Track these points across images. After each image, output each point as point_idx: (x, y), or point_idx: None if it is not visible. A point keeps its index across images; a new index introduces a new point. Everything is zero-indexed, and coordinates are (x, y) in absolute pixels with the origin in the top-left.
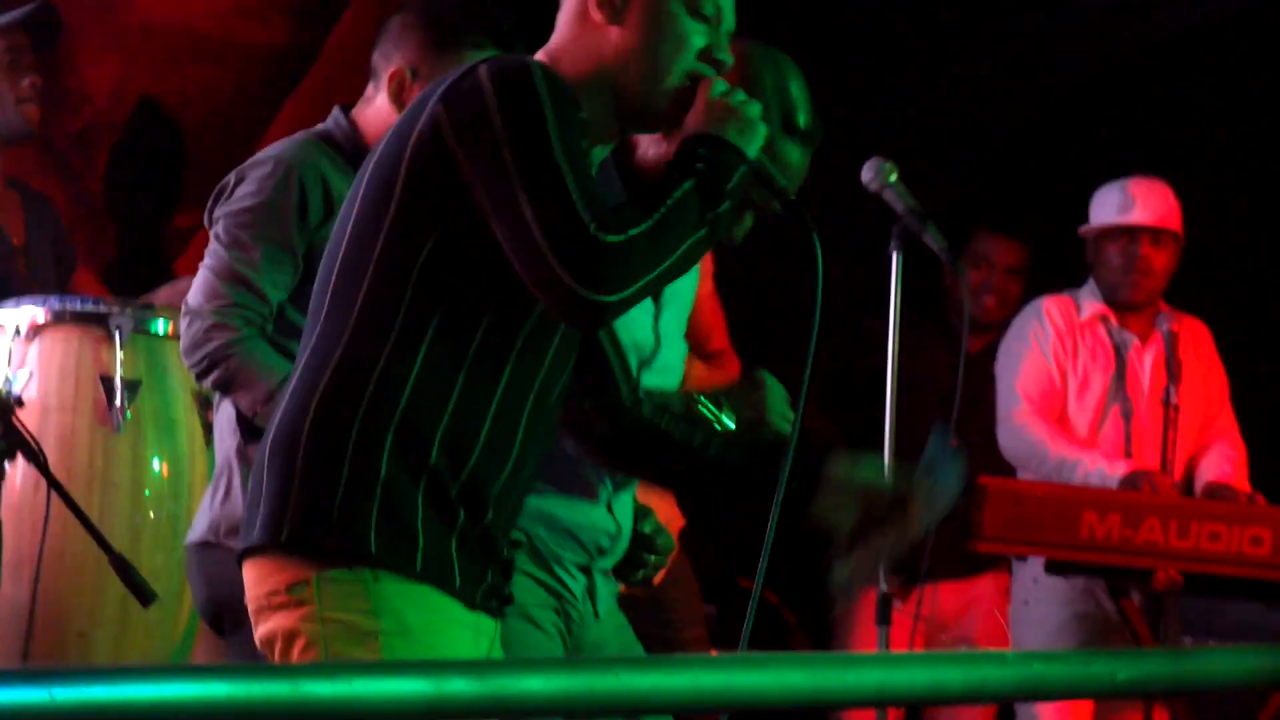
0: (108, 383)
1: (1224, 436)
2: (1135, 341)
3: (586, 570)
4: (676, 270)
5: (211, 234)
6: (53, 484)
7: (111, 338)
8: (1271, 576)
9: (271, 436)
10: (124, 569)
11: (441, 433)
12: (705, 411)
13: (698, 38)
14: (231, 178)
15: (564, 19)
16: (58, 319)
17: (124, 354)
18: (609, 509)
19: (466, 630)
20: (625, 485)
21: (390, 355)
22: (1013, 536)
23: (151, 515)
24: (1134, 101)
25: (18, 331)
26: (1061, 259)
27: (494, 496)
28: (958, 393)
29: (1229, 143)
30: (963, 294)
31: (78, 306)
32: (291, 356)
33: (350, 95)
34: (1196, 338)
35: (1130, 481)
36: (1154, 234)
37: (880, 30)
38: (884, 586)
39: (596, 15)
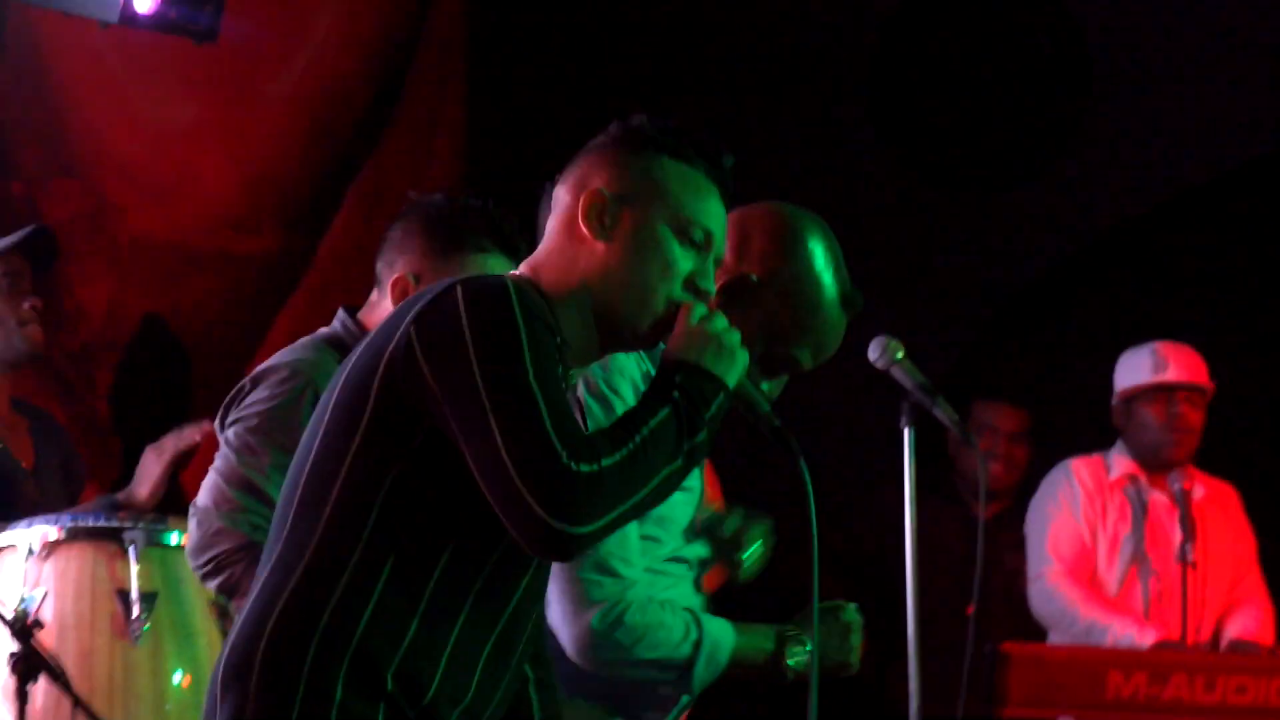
0: (124, 596)
1: (1251, 597)
2: (1164, 500)
3: None
4: (651, 501)
5: (222, 438)
6: (77, 702)
7: (125, 552)
8: None
9: (226, 656)
10: None
11: (396, 664)
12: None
13: (684, 263)
14: (246, 383)
15: (552, 230)
16: (71, 536)
17: (139, 567)
18: None
19: None
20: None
21: (349, 582)
22: (1040, 700)
23: None
24: (1120, 266)
25: (31, 551)
26: (1063, 423)
27: None
28: (979, 561)
29: (1220, 305)
30: (977, 464)
31: (90, 523)
32: None
33: (344, 300)
34: (1224, 499)
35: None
36: (1189, 392)
37: (867, 204)
38: None
39: (584, 230)
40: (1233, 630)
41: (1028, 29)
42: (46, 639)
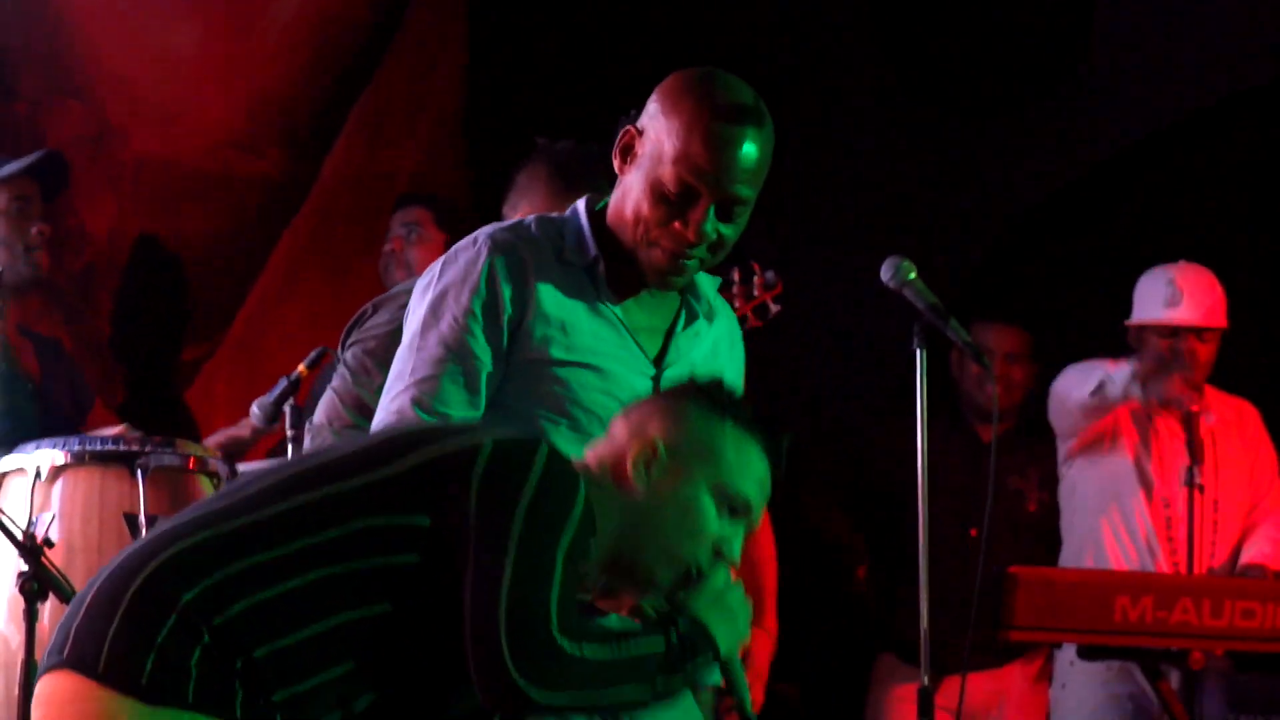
0: (131, 519)
1: (1269, 517)
2: (1171, 424)
3: None
4: (606, 703)
5: (340, 358)
6: None
7: (134, 475)
8: None
9: (102, 582)
10: None
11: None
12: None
13: (716, 529)
14: (369, 308)
15: (603, 449)
16: (79, 460)
17: (147, 492)
18: None
19: None
20: None
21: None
22: (1045, 624)
23: None
24: (1123, 190)
25: (39, 474)
26: (1065, 345)
27: None
28: (992, 477)
29: (1223, 229)
30: (979, 386)
31: (98, 447)
32: None
33: (346, 224)
34: (1240, 419)
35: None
36: (1200, 332)
37: (872, 128)
38: (925, 680)
39: (630, 475)
40: (1246, 554)
41: None
42: (55, 560)
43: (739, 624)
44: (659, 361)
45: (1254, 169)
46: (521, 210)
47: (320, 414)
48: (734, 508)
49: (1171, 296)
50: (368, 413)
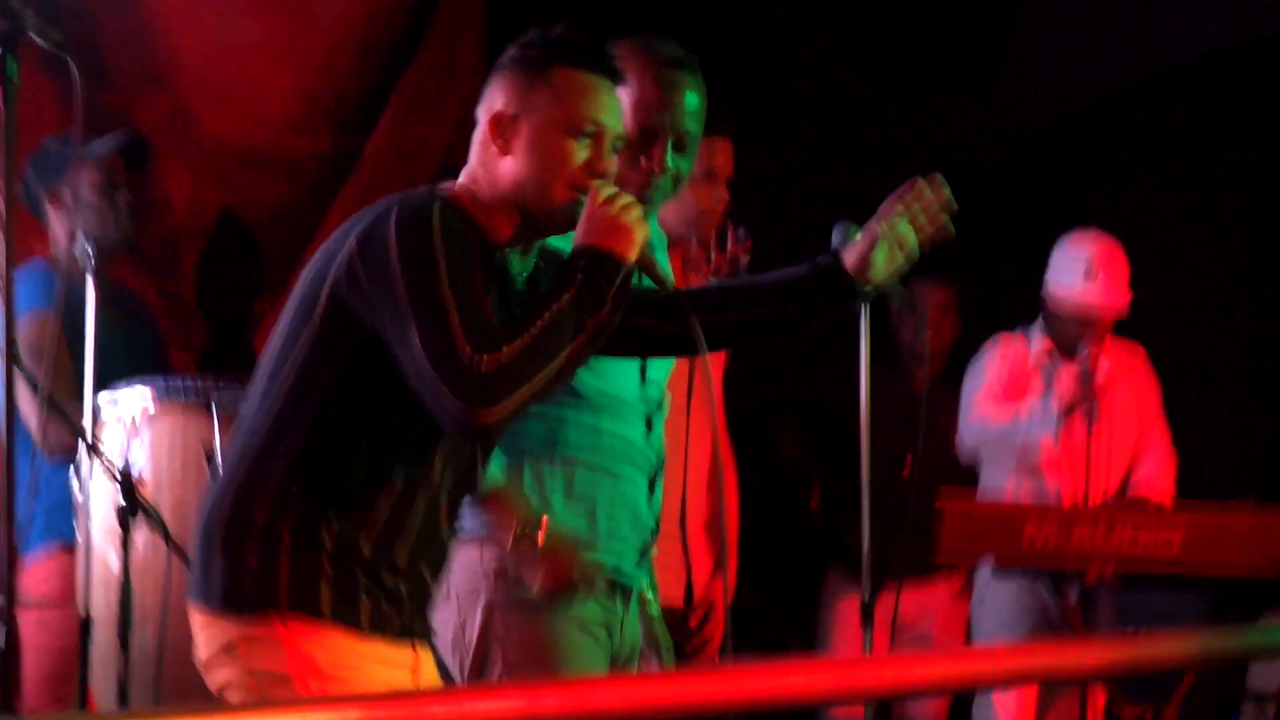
0: (210, 455)
1: (1154, 446)
2: (1073, 371)
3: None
4: (560, 376)
5: None
6: (172, 545)
7: (211, 416)
8: (1180, 572)
9: (203, 516)
10: None
11: (337, 526)
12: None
13: (579, 154)
14: None
15: (474, 146)
16: (163, 403)
17: (222, 429)
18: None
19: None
20: None
21: (300, 454)
22: (966, 550)
23: None
24: (1045, 162)
25: (131, 418)
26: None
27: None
28: (922, 414)
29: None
30: (915, 335)
31: (179, 389)
32: None
33: (387, 193)
34: (1130, 360)
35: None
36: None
37: (828, 87)
38: (867, 595)
39: (493, 147)
40: (1133, 485)
41: None
42: (145, 492)
43: (631, 229)
44: None
45: (1167, 144)
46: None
47: None
48: (585, 132)
49: (1088, 272)
50: None
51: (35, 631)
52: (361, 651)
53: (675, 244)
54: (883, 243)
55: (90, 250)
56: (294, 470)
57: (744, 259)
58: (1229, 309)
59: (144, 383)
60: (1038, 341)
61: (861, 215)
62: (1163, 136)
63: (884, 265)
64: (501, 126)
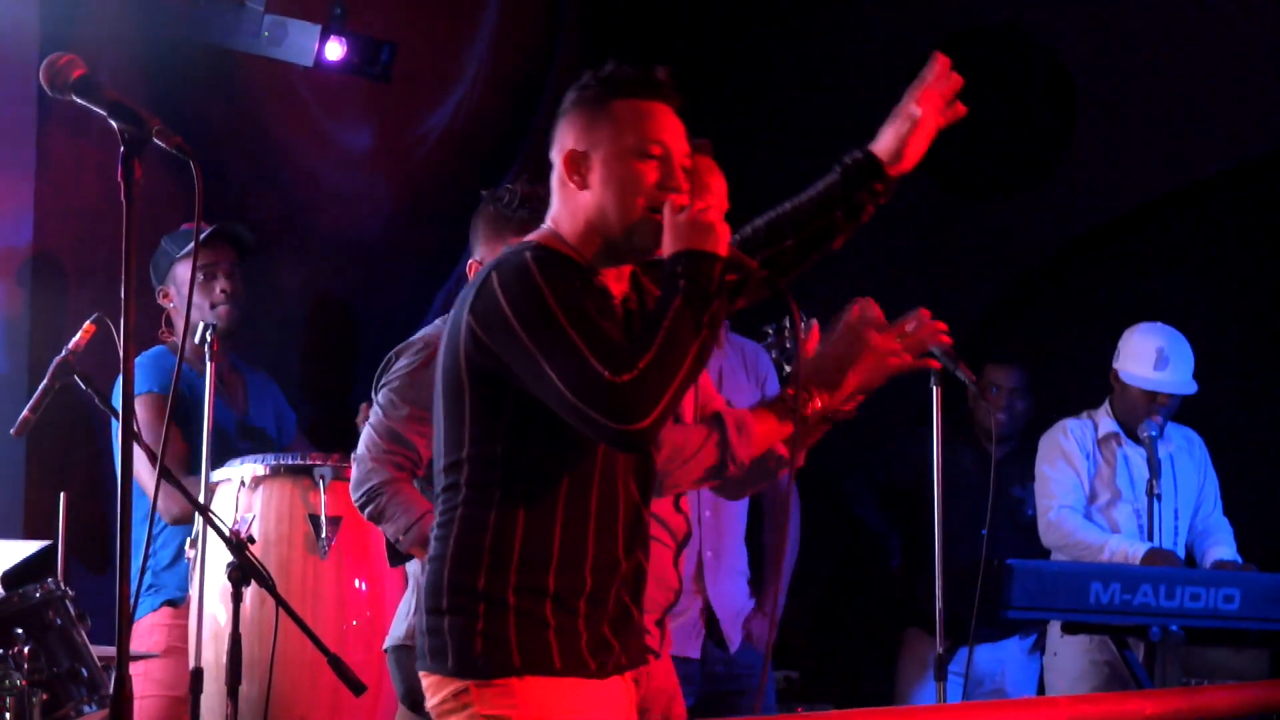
0: (315, 520)
1: (1219, 525)
2: (1141, 451)
3: None
4: (692, 374)
5: (375, 398)
6: (279, 602)
7: (317, 485)
8: (1241, 626)
9: (424, 581)
10: (338, 666)
11: (554, 569)
12: None
13: (649, 175)
14: (392, 355)
15: (553, 189)
16: (274, 472)
17: (327, 497)
18: None
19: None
20: None
21: (499, 512)
22: (1036, 606)
23: (354, 623)
24: (1105, 258)
25: (243, 483)
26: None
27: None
28: (991, 492)
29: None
30: (989, 414)
31: (289, 461)
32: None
33: None
34: (1190, 444)
35: (1150, 558)
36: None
37: (899, 209)
38: (940, 649)
39: (570, 184)
40: (1214, 553)
41: (1024, 65)
42: (255, 553)
43: (714, 226)
44: None
45: (1218, 243)
46: (478, 255)
47: (361, 446)
48: (651, 154)
49: (1158, 362)
50: (399, 440)
51: (140, 682)
52: (591, 694)
53: None
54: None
55: (207, 337)
56: (501, 537)
57: None
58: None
59: (256, 457)
60: (1104, 425)
61: (935, 304)
62: (1214, 236)
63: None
64: (575, 163)
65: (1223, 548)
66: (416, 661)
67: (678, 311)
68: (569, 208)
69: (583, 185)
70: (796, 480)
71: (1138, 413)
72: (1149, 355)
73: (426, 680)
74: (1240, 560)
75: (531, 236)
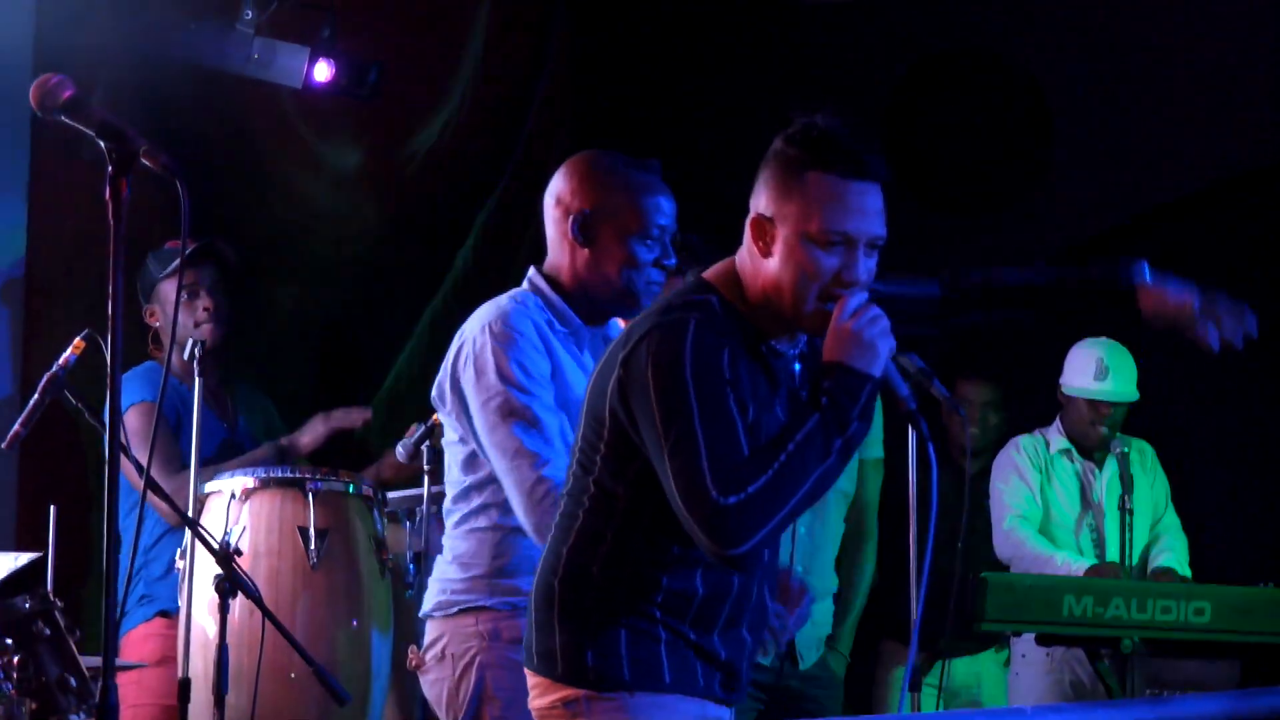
0: (304, 532)
1: (1168, 531)
2: (1093, 467)
3: None
4: (807, 501)
5: None
6: (266, 614)
7: (306, 497)
8: (1211, 639)
9: (535, 586)
10: (323, 677)
11: (663, 586)
12: None
13: (829, 264)
14: None
15: (744, 243)
16: (264, 484)
17: (316, 509)
18: None
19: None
20: None
21: (613, 542)
22: (1010, 619)
23: (341, 634)
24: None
25: (233, 495)
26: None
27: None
28: (967, 503)
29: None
30: (963, 429)
31: (278, 474)
32: None
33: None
34: (1142, 455)
35: (1092, 573)
36: (1119, 405)
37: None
38: (915, 662)
39: (755, 248)
40: (1155, 561)
41: (1004, 90)
42: (243, 564)
43: (876, 345)
44: None
45: (1195, 261)
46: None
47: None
48: (833, 242)
49: (1099, 372)
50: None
51: (133, 691)
52: (699, 712)
53: None
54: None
55: (195, 353)
56: (614, 562)
57: None
58: (1246, 411)
59: (246, 470)
60: (1055, 442)
61: (916, 328)
62: (1190, 253)
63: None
64: (761, 229)
65: (1167, 554)
66: (524, 657)
67: (809, 433)
68: (754, 265)
69: (765, 253)
70: None
71: (1084, 425)
72: (1089, 367)
73: (533, 679)
74: (1184, 570)
75: (711, 275)
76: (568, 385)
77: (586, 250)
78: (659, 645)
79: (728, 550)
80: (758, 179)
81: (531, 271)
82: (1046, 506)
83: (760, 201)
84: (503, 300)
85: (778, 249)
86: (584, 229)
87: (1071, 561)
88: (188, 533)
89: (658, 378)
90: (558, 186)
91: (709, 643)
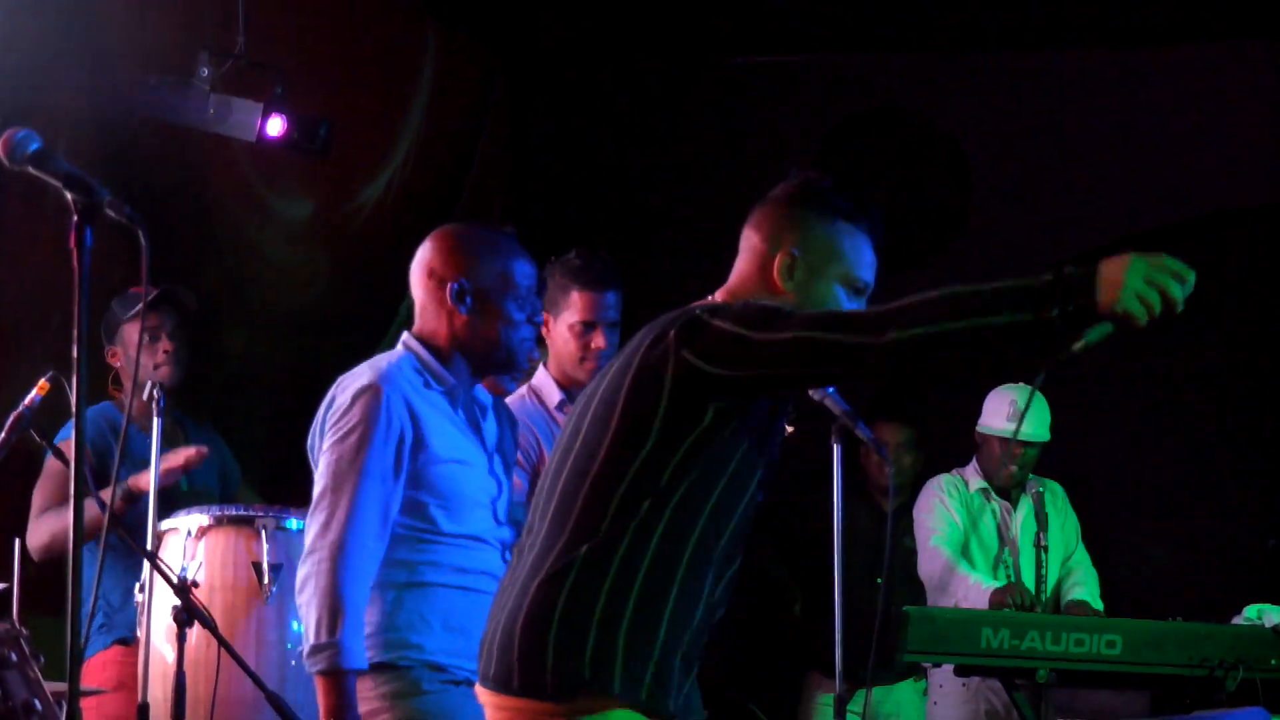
0: (258, 567)
1: (1080, 566)
2: (1009, 506)
3: None
4: (958, 343)
5: None
6: (222, 644)
7: (259, 534)
8: (1122, 670)
9: (524, 611)
10: (278, 705)
11: (669, 609)
12: None
13: (847, 305)
14: None
15: (745, 264)
16: (218, 522)
17: (269, 545)
18: None
19: None
20: None
21: (616, 577)
22: (929, 650)
23: (293, 663)
24: None
25: (189, 533)
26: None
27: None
28: (889, 540)
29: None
30: (881, 470)
31: (233, 512)
32: None
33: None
34: (1054, 495)
35: (999, 594)
36: (1031, 445)
37: None
38: (839, 689)
39: (777, 281)
40: (1069, 594)
41: (925, 149)
42: (200, 597)
43: (1142, 307)
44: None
45: None
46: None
47: None
48: (856, 290)
49: (1012, 414)
50: None
51: (94, 716)
52: None
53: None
54: None
55: (155, 394)
56: (602, 568)
57: None
58: (1152, 454)
59: (202, 508)
60: (973, 481)
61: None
62: None
63: None
64: (792, 267)
65: (1080, 588)
66: (491, 685)
67: (1028, 287)
68: (762, 296)
69: (785, 285)
70: None
71: (996, 465)
72: (1003, 409)
73: (510, 702)
74: (1096, 603)
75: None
76: (440, 442)
77: (466, 316)
78: (648, 667)
79: (881, 333)
80: (776, 212)
81: (405, 335)
82: (966, 539)
83: (788, 239)
84: (379, 360)
85: (805, 287)
86: (460, 297)
87: (983, 582)
88: (146, 566)
89: (735, 311)
90: (429, 258)
91: (675, 663)
